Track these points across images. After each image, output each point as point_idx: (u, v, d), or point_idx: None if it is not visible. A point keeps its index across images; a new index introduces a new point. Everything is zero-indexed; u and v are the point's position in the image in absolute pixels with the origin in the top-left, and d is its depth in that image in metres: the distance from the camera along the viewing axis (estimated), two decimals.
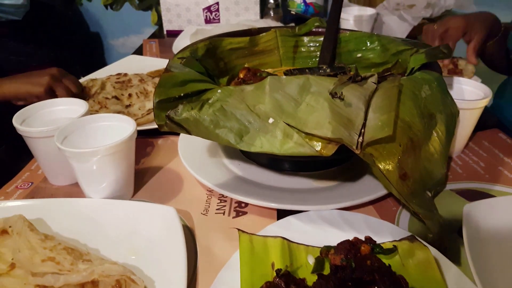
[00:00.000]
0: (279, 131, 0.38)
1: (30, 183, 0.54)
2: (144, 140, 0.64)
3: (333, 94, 0.39)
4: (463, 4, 1.10)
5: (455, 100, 0.50)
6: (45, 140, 0.49)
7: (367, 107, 0.39)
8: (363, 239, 0.41)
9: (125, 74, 0.83)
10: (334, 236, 0.42)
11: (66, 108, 0.56)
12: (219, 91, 0.42)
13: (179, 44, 1.02)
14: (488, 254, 0.41)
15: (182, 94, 0.43)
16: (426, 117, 0.44)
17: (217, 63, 0.62)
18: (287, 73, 0.61)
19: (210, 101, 0.41)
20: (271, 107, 0.39)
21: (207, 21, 1.20)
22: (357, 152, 0.36)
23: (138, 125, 0.66)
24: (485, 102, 0.55)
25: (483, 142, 0.64)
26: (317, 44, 0.69)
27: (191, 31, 1.09)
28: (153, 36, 1.26)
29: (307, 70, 0.64)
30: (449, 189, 0.53)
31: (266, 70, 0.68)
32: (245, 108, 0.40)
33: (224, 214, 0.48)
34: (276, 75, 0.61)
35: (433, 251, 0.40)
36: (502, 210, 0.46)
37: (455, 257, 0.43)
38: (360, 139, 0.37)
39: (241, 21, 1.09)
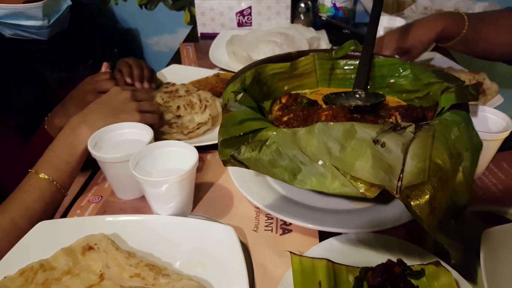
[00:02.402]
0: (327, 172, 0.45)
1: (100, 197, 0.63)
2: None
3: (375, 141, 0.45)
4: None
5: (478, 133, 0.56)
6: (118, 164, 0.57)
7: (405, 154, 0.45)
8: (396, 261, 0.48)
9: (173, 84, 0.90)
10: (370, 257, 0.49)
11: (132, 131, 0.63)
12: (274, 133, 0.48)
13: (215, 53, 1.08)
14: (503, 277, 0.48)
15: (241, 133, 0.50)
16: (455, 157, 0.50)
17: (261, 88, 0.69)
18: (326, 99, 0.67)
19: (267, 143, 0.48)
20: (320, 150, 0.46)
21: (240, 24, 1.26)
22: (397, 196, 0.43)
23: (189, 138, 0.74)
24: (506, 134, 0.60)
25: (502, 164, 0.69)
26: (352, 67, 0.74)
27: (225, 37, 1.15)
28: (187, 38, 1.32)
29: (343, 94, 0.70)
30: (470, 211, 0.60)
31: (304, 91, 0.74)
32: (297, 150, 0.47)
33: (272, 231, 0.55)
34: (316, 101, 0.68)
35: (455, 274, 0.47)
36: None
37: (472, 276, 0.50)
38: (399, 184, 0.43)
39: (274, 29, 1.14)
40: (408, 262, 0.48)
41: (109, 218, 0.54)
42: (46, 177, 0.58)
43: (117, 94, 0.68)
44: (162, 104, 0.82)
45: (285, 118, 0.63)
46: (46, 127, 0.76)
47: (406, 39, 0.83)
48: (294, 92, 0.74)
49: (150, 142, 0.60)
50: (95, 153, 0.57)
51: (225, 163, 0.50)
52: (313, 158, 0.46)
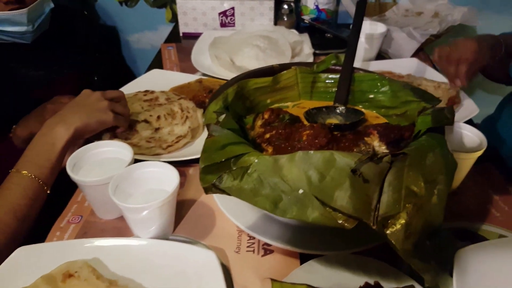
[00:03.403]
0: (308, 202, 0.46)
1: (80, 217, 0.62)
2: (177, 168, 0.71)
3: (353, 171, 0.46)
4: (469, 19, 1.15)
5: (453, 152, 0.57)
6: (97, 187, 0.56)
7: (381, 184, 0.46)
8: (373, 283, 0.50)
9: (152, 92, 0.89)
10: (349, 280, 0.51)
11: (111, 150, 0.63)
12: (256, 160, 0.49)
13: (197, 56, 1.07)
14: None
15: (223, 159, 0.50)
16: (430, 182, 0.51)
17: (244, 103, 0.69)
18: (307, 116, 0.68)
19: (249, 171, 0.48)
20: (300, 178, 0.47)
21: (223, 25, 1.24)
22: (374, 227, 0.44)
23: (168, 152, 0.74)
24: (480, 153, 0.62)
25: (477, 177, 0.72)
26: (333, 81, 0.75)
27: (208, 38, 1.14)
28: (169, 37, 1.29)
29: (324, 109, 0.71)
30: (444, 228, 0.62)
31: (286, 104, 0.75)
32: (279, 179, 0.47)
33: (254, 252, 0.56)
34: (298, 117, 0.68)
35: None
36: (490, 256, 0.54)
37: None
38: (376, 214, 0.45)
39: (257, 31, 1.13)
40: (385, 284, 0.50)
41: (89, 243, 0.54)
42: (28, 174, 0.59)
43: (89, 94, 0.71)
44: (141, 112, 0.81)
45: (267, 135, 0.64)
46: (11, 135, 0.78)
47: (480, 56, 0.82)
48: (276, 105, 0.74)
49: (131, 162, 0.59)
50: (73, 176, 0.56)
51: (207, 190, 0.50)
52: (293, 187, 0.47)
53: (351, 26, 0.71)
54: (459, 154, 0.62)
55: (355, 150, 0.60)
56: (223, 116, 0.58)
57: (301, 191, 0.47)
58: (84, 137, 0.68)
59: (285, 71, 0.74)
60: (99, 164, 0.61)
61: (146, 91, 0.89)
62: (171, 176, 0.57)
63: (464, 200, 0.67)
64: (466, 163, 0.64)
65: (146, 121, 0.79)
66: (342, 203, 0.45)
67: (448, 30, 1.16)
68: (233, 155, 0.51)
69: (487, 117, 1.03)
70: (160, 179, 0.58)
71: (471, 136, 0.67)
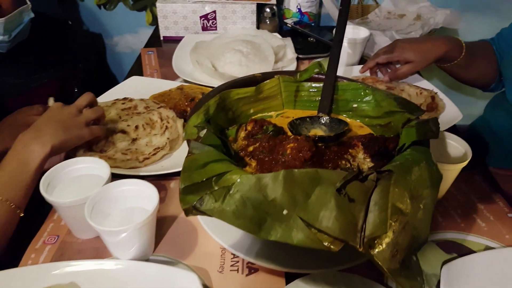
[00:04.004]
0: (293, 223, 0.44)
1: (57, 237, 0.59)
2: (157, 182, 0.69)
3: (339, 190, 0.45)
4: (451, 22, 1.15)
5: (438, 164, 0.57)
6: (73, 207, 0.53)
7: (367, 204, 0.45)
8: None
9: (131, 100, 0.86)
10: None
11: (87, 166, 0.60)
12: (238, 180, 0.47)
13: (178, 61, 1.04)
14: None
15: (204, 179, 0.48)
16: (416, 197, 0.51)
17: (226, 114, 0.67)
18: (291, 127, 0.66)
19: (231, 192, 0.46)
20: (285, 198, 0.45)
21: (204, 28, 1.22)
22: (360, 249, 0.43)
23: (145, 165, 0.72)
24: (464, 164, 0.62)
25: (461, 186, 0.72)
26: (316, 90, 0.74)
27: (189, 42, 1.11)
28: (149, 41, 1.26)
29: (308, 119, 0.70)
30: (430, 240, 0.61)
31: (270, 114, 0.73)
32: (262, 199, 0.46)
33: (238, 272, 0.55)
34: (282, 128, 0.67)
35: None
36: (477, 269, 0.54)
37: None
38: (362, 235, 0.43)
39: (240, 36, 1.11)
40: None
41: (65, 267, 0.51)
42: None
43: (61, 108, 0.67)
44: (119, 121, 0.78)
45: (250, 148, 0.62)
46: None
47: (412, 51, 0.88)
48: (260, 115, 0.73)
49: (109, 179, 0.57)
50: (47, 197, 0.53)
51: (187, 212, 0.48)
52: (278, 208, 0.45)
53: (334, 31, 0.70)
54: (444, 165, 0.62)
55: (341, 164, 0.59)
56: (204, 131, 0.56)
57: (285, 211, 0.45)
58: (59, 153, 0.65)
59: (268, 81, 0.72)
60: (75, 182, 0.58)
61: (125, 98, 0.86)
62: (151, 194, 0.54)
63: (449, 210, 0.67)
64: (451, 173, 0.63)
65: (123, 131, 0.76)
66: (328, 224, 0.43)
67: (430, 33, 1.17)
68: (215, 173, 0.49)
69: (478, 118, 1.03)
70: (139, 197, 0.56)
71: (456, 146, 0.67)
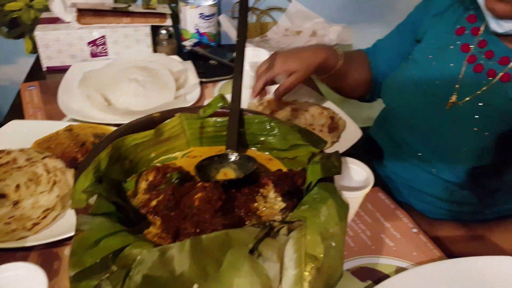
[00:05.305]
0: None
1: None
2: (48, 251, 0.60)
3: (251, 251, 0.42)
4: (344, 38, 1.21)
5: (344, 193, 0.58)
6: None
7: (281, 261, 0.43)
8: None
9: (8, 152, 0.73)
10: None
11: None
12: (139, 257, 0.41)
13: (65, 96, 0.92)
14: None
15: (99, 260, 0.42)
16: (327, 237, 0.50)
17: (122, 165, 0.60)
18: (198, 171, 0.62)
19: (131, 274, 0.41)
20: (194, 271, 0.41)
21: (94, 55, 1.11)
22: None
23: (36, 232, 0.62)
24: (369, 189, 0.64)
25: (367, 205, 0.74)
26: (221, 125, 0.70)
27: (76, 73, 1.00)
28: (30, 73, 1.11)
29: (216, 158, 0.66)
30: (345, 269, 0.62)
31: (174, 155, 0.68)
32: (168, 276, 0.41)
33: None
34: (189, 173, 0.62)
35: None
36: None
37: None
38: None
39: (134, 62, 1.03)
40: None
41: None
42: None
43: None
44: None
45: (154, 203, 0.57)
46: None
47: (293, 61, 0.86)
48: (163, 158, 0.67)
49: None
50: None
51: None
52: (187, 283, 0.41)
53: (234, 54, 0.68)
54: (350, 193, 0.63)
55: (252, 207, 0.56)
56: (94, 197, 0.49)
57: (196, 286, 0.41)
58: None
59: (168, 120, 0.67)
60: None
61: (1, 151, 0.73)
62: (37, 278, 0.46)
63: (359, 233, 0.69)
64: (357, 200, 0.65)
65: (1, 195, 0.64)
66: None
67: None
68: (110, 251, 0.42)
69: (375, 125, 1.09)
70: (23, 283, 0.47)
71: (358, 170, 0.69)
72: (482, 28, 0.78)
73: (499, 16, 0.70)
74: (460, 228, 0.84)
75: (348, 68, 0.92)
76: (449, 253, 0.68)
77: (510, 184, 0.75)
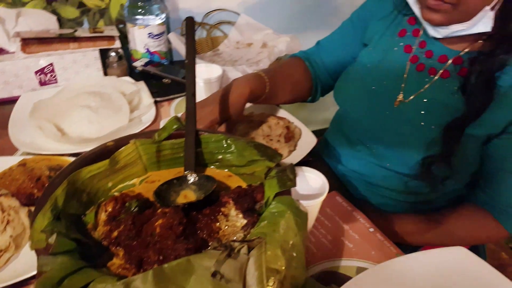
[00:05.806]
0: None
1: None
2: None
3: (214, 274, 0.44)
4: (293, 48, 1.25)
5: (302, 202, 0.60)
6: None
7: (244, 280, 0.45)
8: None
9: None
10: None
11: None
12: None
13: (16, 130, 0.90)
14: None
15: None
16: (287, 249, 0.52)
17: (80, 199, 0.60)
18: (158, 197, 0.62)
19: None
20: None
21: (42, 83, 1.08)
22: None
23: None
24: (324, 196, 0.67)
25: (326, 209, 0.78)
26: (178, 147, 0.71)
27: (26, 104, 0.97)
28: None
29: (175, 181, 0.66)
30: (309, 275, 0.65)
31: (132, 182, 0.68)
32: None
33: None
34: (148, 199, 0.62)
35: None
36: None
37: None
38: None
39: (85, 87, 1.02)
40: None
41: None
42: None
43: None
44: None
45: (115, 234, 0.57)
46: None
47: (222, 110, 0.84)
48: (120, 186, 0.67)
49: None
50: None
51: None
52: None
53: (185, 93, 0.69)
54: (308, 202, 0.65)
55: (214, 227, 0.58)
56: (54, 236, 0.48)
57: None
58: None
59: (122, 148, 0.66)
60: None
61: None
62: None
63: (321, 238, 0.72)
64: (315, 207, 0.68)
65: None
66: None
67: (277, 60, 1.25)
68: None
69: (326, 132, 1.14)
70: None
71: (314, 177, 0.72)
72: (422, 29, 0.84)
73: (436, 25, 0.75)
74: (416, 220, 0.89)
75: (278, 88, 0.93)
76: (407, 247, 0.73)
77: (457, 171, 0.81)
